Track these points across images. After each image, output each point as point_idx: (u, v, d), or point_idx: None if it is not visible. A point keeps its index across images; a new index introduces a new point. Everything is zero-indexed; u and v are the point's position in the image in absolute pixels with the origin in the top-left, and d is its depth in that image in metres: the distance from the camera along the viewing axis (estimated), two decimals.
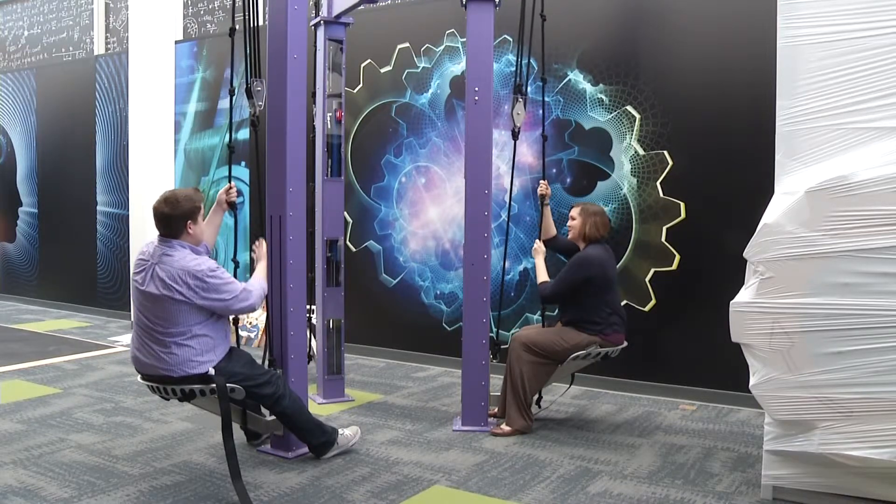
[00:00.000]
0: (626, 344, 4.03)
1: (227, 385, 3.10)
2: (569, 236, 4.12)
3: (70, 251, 8.35)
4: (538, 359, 3.90)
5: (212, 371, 3.10)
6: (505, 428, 3.94)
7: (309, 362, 3.87)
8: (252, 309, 3.25)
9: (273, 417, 3.46)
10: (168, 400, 3.27)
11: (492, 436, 3.89)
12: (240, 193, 3.59)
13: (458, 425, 4.06)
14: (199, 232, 3.19)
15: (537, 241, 4.27)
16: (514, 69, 4.25)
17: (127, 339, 6.64)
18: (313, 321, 4.82)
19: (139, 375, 3.23)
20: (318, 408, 4.43)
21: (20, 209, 8.95)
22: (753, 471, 3.36)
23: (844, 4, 2.80)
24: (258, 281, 3.38)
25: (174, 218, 3.10)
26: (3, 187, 9.12)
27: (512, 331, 4.67)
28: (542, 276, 4.09)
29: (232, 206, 3.54)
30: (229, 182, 3.57)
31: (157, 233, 3.18)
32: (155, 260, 3.10)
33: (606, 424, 4.16)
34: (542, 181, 4.31)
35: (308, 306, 3.98)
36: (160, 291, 3.03)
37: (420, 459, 3.57)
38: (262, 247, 3.57)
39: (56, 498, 3.04)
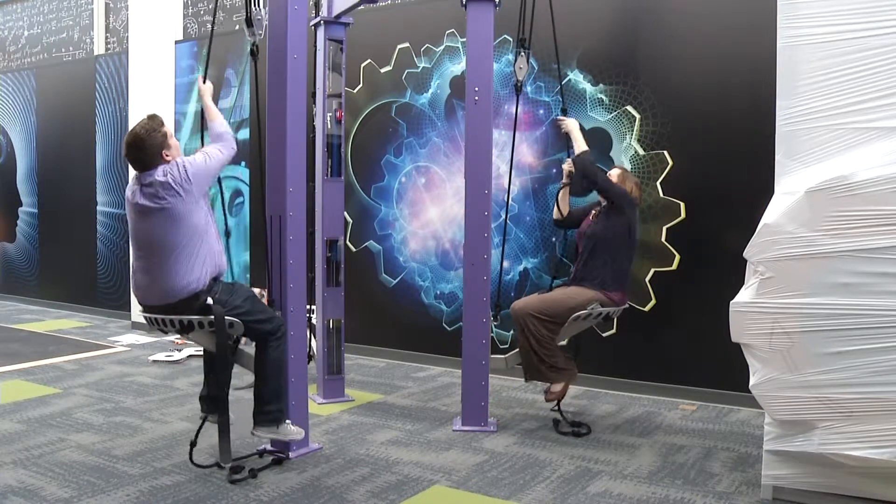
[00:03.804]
0: (627, 304, 4.08)
1: (226, 318, 3.11)
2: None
3: (70, 251, 8.35)
4: (545, 319, 3.89)
5: (210, 301, 3.10)
6: (554, 390, 3.94)
7: (309, 362, 3.87)
8: (234, 144, 3.40)
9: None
10: (167, 333, 3.28)
11: (546, 402, 4.04)
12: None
13: (458, 425, 4.06)
14: (175, 155, 3.21)
15: (561, 118, 4.23)
16: (513, 69, 4.24)
17: (127, 339, 6.64)
18: (313, 321, 4.82)
19: (140, 308, 3.26)
20: (319, 408, 4.42)
21: (20, 209, 8.95)
22: (753, 471, 3.36)
23: (844, 4, 2.80)
24: (218, 120, 3.49)
25: (147, 155, 3.12)
26: (3, 187, 9.12)
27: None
28: (582, 144, 4.04)
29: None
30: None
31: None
32: (140, 181, 3.12)
33: (606, 424, 4.16)
34: (568, 159, 4.20)
35: (308, 306, 3.97)
36: (154, 203, 3.06)
37: (420, 459, 3.57)
38: (206, 87, 3.66)
39: (56, 498, 3.04)
